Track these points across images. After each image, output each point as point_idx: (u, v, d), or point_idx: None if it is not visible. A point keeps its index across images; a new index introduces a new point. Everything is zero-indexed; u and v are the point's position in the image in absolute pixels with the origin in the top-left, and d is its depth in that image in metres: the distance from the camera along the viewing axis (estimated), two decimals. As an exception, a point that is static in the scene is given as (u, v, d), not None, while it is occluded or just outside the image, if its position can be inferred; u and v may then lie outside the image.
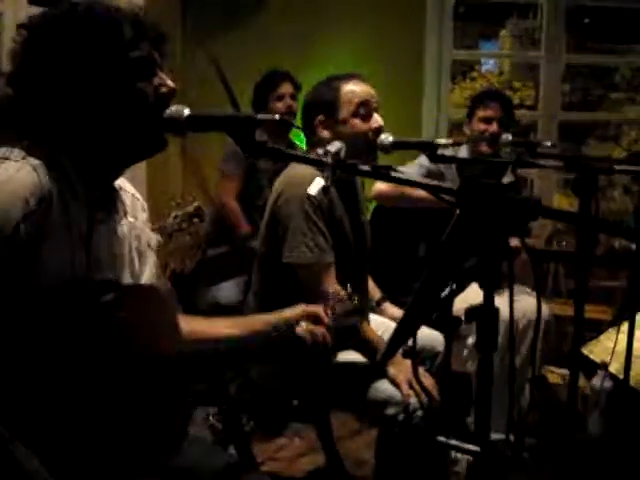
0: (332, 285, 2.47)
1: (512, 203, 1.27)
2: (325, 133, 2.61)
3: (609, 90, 13.87)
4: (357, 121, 2.61)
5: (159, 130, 1.61)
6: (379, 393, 2.47)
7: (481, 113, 3.67)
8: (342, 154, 1.39)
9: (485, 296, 1.35)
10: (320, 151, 1.40)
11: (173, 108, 1.54)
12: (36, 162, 1.51)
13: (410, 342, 1.70)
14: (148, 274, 1.85)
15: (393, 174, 1.37)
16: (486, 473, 1.37)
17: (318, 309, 1.94)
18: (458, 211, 1.42)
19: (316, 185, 1.40)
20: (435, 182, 1.41)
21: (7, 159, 1.50)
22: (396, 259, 3.51)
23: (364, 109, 2.61)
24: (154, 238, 1.88)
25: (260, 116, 1.42)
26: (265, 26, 4.96)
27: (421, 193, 3.25)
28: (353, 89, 2.64)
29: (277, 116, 1.41)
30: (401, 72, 4.99)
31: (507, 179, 3.66)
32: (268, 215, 2.65)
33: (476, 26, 13.23)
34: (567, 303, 4.51)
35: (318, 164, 1.40)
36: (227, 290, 3.76)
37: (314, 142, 2.63)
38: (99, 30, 1.56)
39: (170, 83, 1.62)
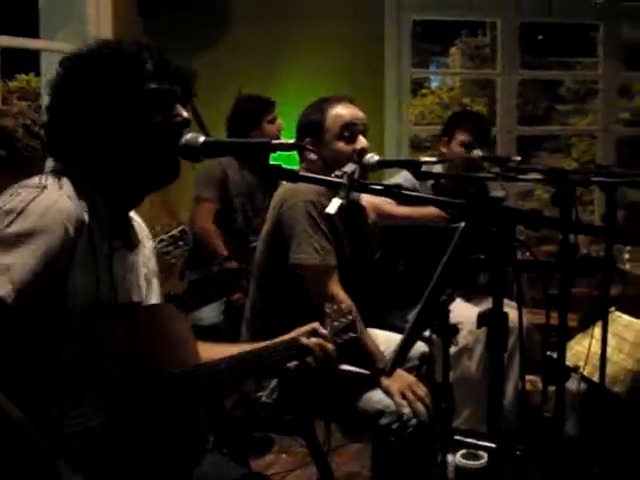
0: (336, 288, 2.55)
1: (519, 215, 1.36)
2: (312, 155, 2.67)
3: (556, 102, 14.23)
4: (341, 144, 2.68)
5: (171, 159, 1.69)
6: (373, 404, 2.51)
7: (462, 137, 3.67)
8: (356, 175, 1.48)
9: (494, 302, 1.44)
10: (337, 172, 1.49)
11: (188, 136, 1.62)
12: (70, 192, 1.60)
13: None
14: (154, 300, 1.93)
15: (404, 192, 1.46)
16: (501, 468, 1.46)
17: (315, 325, 2.01)
18: (463, 224, 1.51)
19: (334, 204, 1.48)
20: (445, 198, 1.50)
21: (45, 188, 1.59)
22: (376, 274, 3.60)
23: (348, 131, 2.68)
24: (155, 264, 1.96)
25: (275, 142, 1.50)
26: (226, 44, 5.06)
27: (402, 211, 3.36)
28: (339, 112, 2.71)
29: (291, 141, 1.49)
30: (362, 91, 5.08)
31: (500, 193, 3.74)
32: (270, 225, 2.70)
33: (427, 44, 13.50)
34: (532, 311, 4.62)
35: (334, 185, 1.48)
36: (208, 312, 3.81)
37: (303, 163, 2.71)
38: (120, 64, 1.66)
39: (184, 114, 1.71)
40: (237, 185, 4.11)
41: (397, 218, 3.44)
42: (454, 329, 1.79)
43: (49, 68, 4.21)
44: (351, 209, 2.76)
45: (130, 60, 1.67)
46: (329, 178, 1.53)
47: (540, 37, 12.56)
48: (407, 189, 3.62)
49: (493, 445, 1.46)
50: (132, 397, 1.62)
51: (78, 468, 1.50)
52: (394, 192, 1.46)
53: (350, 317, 2.12)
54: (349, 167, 1.48)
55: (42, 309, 1.53)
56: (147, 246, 1.94)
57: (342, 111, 2.72)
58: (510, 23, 5.40)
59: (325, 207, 2.55)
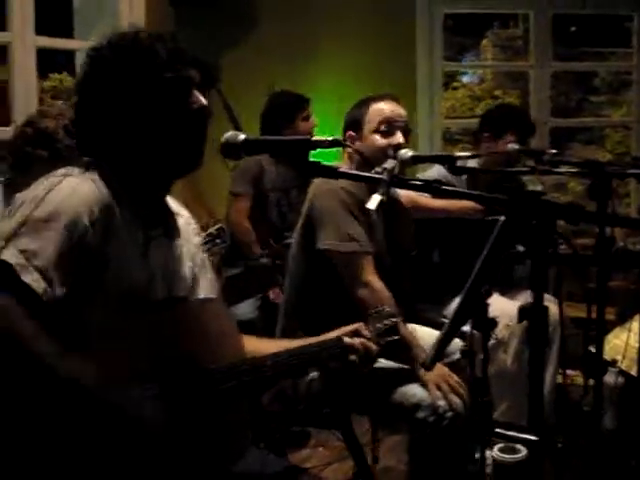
0: (371, 275, 2.56)
1: (558, 209, 1.37)
2: (349, 149, 2.73)
3: (589, 94, 14.10)
4: (377, 137, 2.73)
5: (192, 146, 1.73)
6: (409, 397, 2.54)
7: (511, 138, 3.64)
8: (396, 171, 1.49)
9: (535, 296, 1.44)
10: (378, 169, 1.50)
11: (229, 133, 1.64)
12: (95, 176, 1.65)
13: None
14: (203, 294, 1.94)
15: (444, 188, 1.47)
16: (542, 462, 1.46)
17: (359, 326, 2.03)
18: (503, 218, 1.51)
19: (374, 201, 1.49)
20: (484, 193, 1.50)
21: (70, 175, 1.63)
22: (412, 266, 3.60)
23: (386, 126, 2.73)
24: (206, 259, 1.98)
25: (314, 139, 1.51)
26: (259, 39, 5.06)
27: (437, 204, 3.35)
28: (381, 107, 2.77)
29: (330, 138, 1.50)
30: (395, 85, 5.08)
31: (538, 187, 3.72)
32: (303, 217, 2.75)
33: (458, 38, 13.44)
34: (570, 304, 4.59)
35: (374, 181, 1.49)
36: (244, 307, 3.85)
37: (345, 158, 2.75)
38: (137, 54, 1.70)
39: (202, 100, 1.74)
40: (272, 180, 4.14)
41: (433, 211, 3.44)
42: (493, 323, 1.79)
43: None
44: (390, 205, 2.78)
45: (145, 51, 1.70)
46: (369, 174, 1.54)
47: (573, 28, 12.45)
48: (442, 183, 3.66)
49: (534, 438, 1.46)
50: (174, 390, 1.65)
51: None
52: (434, 187, 1.47)
53: (394, 319, 2.13)
54: (389, 163, 1.50)
55: (82, 295, 1.56)
56: (193, 241, 1.96)
57: (383, 106, 2.77)
58: (542, 15, 5.36)
59: (359, 198, 2.62)
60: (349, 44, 5.10)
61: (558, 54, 7.48)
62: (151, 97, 1.69)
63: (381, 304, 2.31)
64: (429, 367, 2.20)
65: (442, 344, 1.79)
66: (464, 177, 3.67)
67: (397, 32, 5.16)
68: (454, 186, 3.67)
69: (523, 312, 1.45)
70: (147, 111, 1.70)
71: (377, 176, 1.49)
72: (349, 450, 2.89)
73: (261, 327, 3.63)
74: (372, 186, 1.56)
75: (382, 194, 1.47)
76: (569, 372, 4.07)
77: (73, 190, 1.59)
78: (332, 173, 1.50)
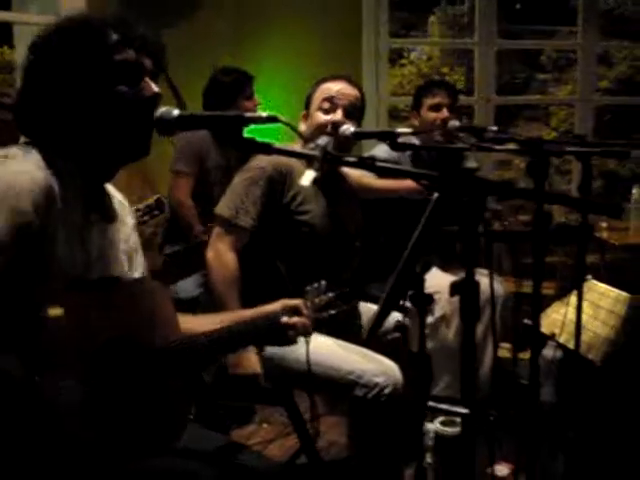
0: (225, 248, 2.65)
1: (490, 186, 1.38)
2: (302, 126, 2.81)
3: (535, 71, 14.23)
4: (319, 113, 2.78)
5: (141, 134, 1.70)
6: (345, 374, 2.56)
7: (429, 101, 3.79)
8: (330, 148, 1.49)
9: (466, 271, 1.46)
10: (311, 145, 1.51)
11: (163, 109, 1.62)
12: (39, 161, 1.62)
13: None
14: (139, 273, 1.94)
15: (378, 164, 1.47)
16: (475, 434, 1.49)
17: (298, 302, 2.05)
18: (436, 195, 1.52)
19: (308, 177, 1.49)
20: (418, 170, 1.51)
21: (7, 157, 1.61)
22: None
23: (328, 104, 2.78)
24: (138, 241, 1.97)
25: (248, 115, 1.51)
26: (204, 18, 5.01)
27: (383, 184, 3.38)
28: (328, 86, 2.83)
29: (264, 114, 1.49)
30: (340, 63, 5.07)
31: (473, 164, 3.78)
32: None
33: (405, 14, 13.45)
34: (509, 280, 4.66)
35: (307, 158, 1.50)
36: (186, 285, 3.82)
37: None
38: (86, 37, 1.67)
39: (154, 87, 1.72)
40: (215, 158, 4.10)
41: (378, 190, 3.46)
42: (429, 298, 1.81)
43: (22, 40, 4.17)
44: (332, 184, 2.79)
45: (95, 34, 1.67)
46: (302, 151, 1.54)
47: (518, 6, 12.55)
48: (386, 161, 3.69)
49: (466, 411, 1.49)
50: (111, 370, 1.64)
51: (59, 438, 1.53)
52: (367, 164, 1.47)
53: (331, 294, 2.15)
54: (322, 140, 1.50)
55: (25, 277, 1.55)
56: (128, 223, 1.95)
57: (330, 85, 2.83)
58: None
59: (288, 174, 2.64)
60: (294, 22, 5.08)
61: (504, 32, 7.53)
62: (101, 81, 1.67)
63: (221, 274, 2.54)
64: (367, 342, 2.23)
65: (378, 319, 1.81)
66: (407, 154, 3.70)
67: (342, 8, 5.15)
68: (399, 164, 3.72)
69: (455, 287, 1.47)
70: (96, 96, 1.67)
71: (310, 152, 1.49)
72: (293, 426, 2.91)
73: (205, 304, 3.61)
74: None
75: (316, 170, 1.47)
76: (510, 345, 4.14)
77: (15, 174, 1.57)
78: (265, 149, 1.49)
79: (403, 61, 14.60)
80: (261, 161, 2.70)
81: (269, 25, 5.07)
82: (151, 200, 2.93)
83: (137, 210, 2.85)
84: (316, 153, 1.48)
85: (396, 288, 1.73)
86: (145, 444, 1.68)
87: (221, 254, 2.65)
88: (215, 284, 2.63)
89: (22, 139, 1.76)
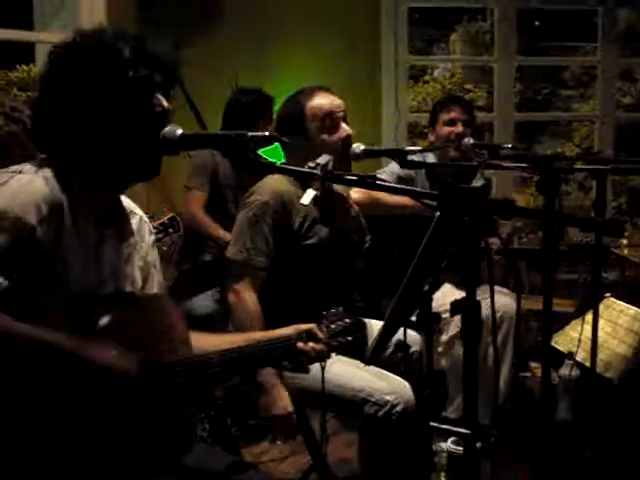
0: (248, 291, 2.64)
1: (490, 205, 1.38)
2: (300, 151, 2.65)
3: (559, 88, 14.19)
4: (325, 136, 2.71)
5: (151, 151, 1.70)
6: (356, 392, 2.54)
7: (445, 117, 3.78)
8: (330, 166, 1.50)
9: (467, 290, 1.45)
10: (311, 164, 1.51)
11: (167, 128, 1.63)
12: (47, 174, 1.64)
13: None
14: (157, 289, 1.97)
15: (379, 182, 1.47)
16: (476, 454, 1.48)
17: (312, 327, 2.03)
18: (438, 214, 1.52)
19: (308, 196, 1.50)
20: (418, 188, 1.51)
21: (20, 172, 1.63)
22: (370, 262, 3.61)
23: (330, 121, 2.71)
24: (157, 258, 1.99)
25: (251, 134, 1.51)
26: (222, 35, 5.03)
27: (394, 200, 3.36)
28: (317, 103, 2.74)
29: (267, 133, 1.50)
30: (360, 79, 5.10)
31: (479, 182, 3.78)
32: None
33: (427, 31, 13.46)
34: (529, 298, 4.63)
35: (308, 176, 1.50)
36: (202, 301, 3.82)
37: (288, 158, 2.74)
38: (99, 53, 1.68)
39: (164, 103, 1.72)
40: (227, 177, 4.10)
41: (391, 207, 3.46)
42: (436, 317, 1.81)
43: (44, 58, 4.22)
44: (329, 200, 2.78)
45: (107, 50, 1.68)
46: (303, 169, 1.54)
47: (537, 23, 12.51)
48: (400, 178, 3.66)
49: (467, 432, 1.48)
50: (122, 386, 1.65)
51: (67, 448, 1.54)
52: (367, 182, 1.48)
53: (348, 320, 2.15)
54: (323, 158, 1.50)
55: (29, 290, 1.57)
56: (147, 239, 1.97)
57: (321, 101, 2.75)
58: (506, 9, 5.38)
59: (291, 202, 2.63)
60: (314, 40, 5.09)
61: (525, 48, 7.52)
62: (112, 96, 1.68)
63: (244, 314, 2.50)
64: (369, 361, 2.23)
65: (382, 338, 1.80)
66: (423, 171, 3.70)
67: (363, 25, 5.17)
68: (414, 181, 3.72)
69: (455, 307, 1.46)
70: (108, 111, 1.68)
71: (311, 171, 1.50)
72: (305, 443, 2.90)
73: (220, 320, 3.61)
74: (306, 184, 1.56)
75: (316, 189, 1.47)
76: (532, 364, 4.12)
77: (21, 187, 1.59)
78: (268, 169, 1.50)
79: (426, 78, 14.63)
80: (261, 195, 2.66)
81: (289, 43, 5.08)
82: (165, 219, 2.94)
83: (152, 228, 2.86)
84: (317, 171, 1.48)
85: (398, 308, 1.73)
86: (151, 461, 1.69)
87: (242, 297, 2.64)
88: (239, 327, 2.64)
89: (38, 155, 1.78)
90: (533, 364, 4.18)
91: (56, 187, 1.63)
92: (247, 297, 2.64)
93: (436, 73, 14.67)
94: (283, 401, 2.52)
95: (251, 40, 5.00)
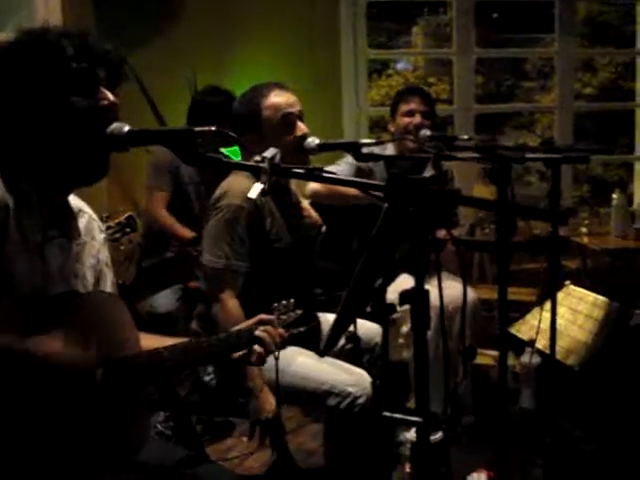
0: (228, 294, 2.63)
1: (434, 195, 1.39)
2: (255, 149, 2.65)
3: (520, 79, 14.30)
4: (281, 135, 2.69)
5: (98, 145, 1.67)
6: (319, 385, 2.57)
7: (404, 108, 3.82)
8: (277, 159, 1.50)
9: (416, 280, 1.47)
10: (257, 158, 1.52)
11: (113, 125, 1.62)
12: None
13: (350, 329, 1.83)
14: (110, 287, 1.96)
15: (325, 175, 1.48)
16: (429, 443, 1.50)
17: (262, 316, 2.09)
18: (386, 205, 1.53)
19: (255, 189, 1.50)
20: (364, 180, 1.53)
21: None
22: (331, 254, 3.62)
23: (286, 121, 2.71)
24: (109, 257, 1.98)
25: (198, 129, 1.51)
26: (180, 34, 5.01)
27: (353, 191, 3.37)
28: (273, 102, 2.73)
29: (213, 128, 1.50)
30: (319, 75, 5.11)
31: (428, 173, 3.81)
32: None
33: (388, 25, 13.50)
34: (493, 288, 4.68)
35: (255, 170, 1.51)
36: (164, 298, 3.81)
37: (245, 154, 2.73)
38: (40, 49, 1.67)
39: (110, 97, 1.71)
40: (189, 173, 4.06)
41: (349, 197, 3.49)
42: (391, 308, 1.82)
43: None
44: (282, 193, 2.79)
45: (50, 46, 1.67)
46: (250, 163, 1.55)
47: (495, 15, 12.61)
48: (361, 169, 3.66)
49: (419, 420, 1.50)
50: (70, 385, 1.66)
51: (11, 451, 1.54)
52: (314, 175, 1.49)
53: (298, 311, 2.17)
54: (270, 152, 1.51)
55: None
56: (97, 238, 1.96)
57: (276, 100, 2.74)
58: (464, 1, 5.41)
59: (260, 204, 2.62)
60: (272, 35, 5.10)
61: (486, 41, 7.56)
62: (55, 92, 1.66)
63: (230, 323, 2.40)
64: (322, 354, 2.24)
65: (335, 331, 1.81)
66: (382, 163, 3.73)
67: (321, 20, 5.17)
68: (372, 172, 3.74)
69: (404, 297, 1.48)
70: (51, 108, 1.66)
71: (258, 164, 1.50)
72: (270, 438, 2.91)
73: (182, 318, 3.61)
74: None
75: (263, 182, 1.48)
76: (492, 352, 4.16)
77: None
78: (219, 164, 1.50)
79: (390, 72, 14.67)
80: (232, 198, 2.64)
81: (248, 40, 5.07)
82: (122, 218, 2.93)
83: (108, 227, 2.85)
84: (264, 165, 1.49)
85: (351, 301, 1.74)
86: (105, 456, 1.69)
87: (226, 307, 2.63)
88: None
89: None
90: (493, 352, 4.22)
91: (1, 188, 1.62)
92: (231, 306, 2.63)
93: (399, 67, 14.72)
94: (270, 405, 2.52)
95: (210, 38, 4.99)
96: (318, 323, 2.89)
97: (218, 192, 2.72)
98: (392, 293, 1.78)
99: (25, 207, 1.67)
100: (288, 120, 2.71)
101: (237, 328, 2.07)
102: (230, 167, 1.56)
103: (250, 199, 2.57)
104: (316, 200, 3.69)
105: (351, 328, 1.86)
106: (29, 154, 1.70)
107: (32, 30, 1.71)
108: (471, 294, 3.73)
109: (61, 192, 1.81)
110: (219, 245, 2.64)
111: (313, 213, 2.97)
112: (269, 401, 2.51)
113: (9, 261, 1.62)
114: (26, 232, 1.67)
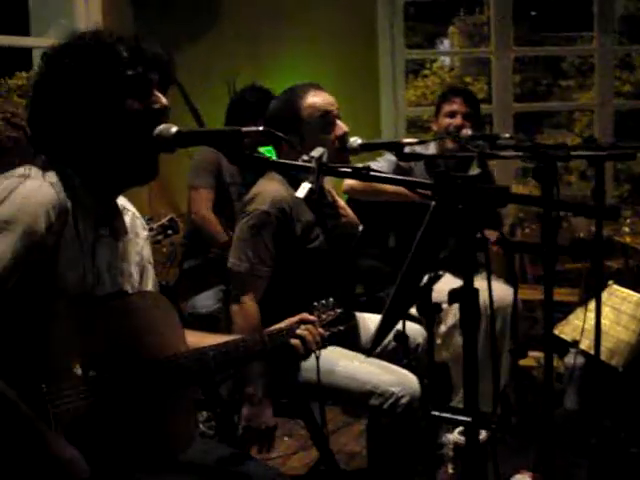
0: (249, 296, 2.64)
1: (482, 193, 1.39)
2: (293, 152, 2.60)
3: (559, 78, 14.18)
4: (321, 135, 2.66)
5: (149, 147, 1.70)
6: (362, 385, 2.56)
7: (446, 108, 3.81)
8: (325, 158, 1.51)
9: (465, 279, 1.46)
10: (305, 157, 1.52)
11: (161, 126, 1.64)
12: (54, 179, 1.66)
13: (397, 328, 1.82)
14: (151, 287, 1.98)
15: (372, 174, 1.48)
16: (477, 442, 1.49)
17: (303, 315, 2.11)
18: (433, 204, 1.53)
19: (303, 189, 1.51)
20: (411, 178, 1.52)
21: (28, 177, 1.64)
22: (368, 252, 3.62)
23: (326, 120, 2.69)
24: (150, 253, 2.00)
25: (245, 129, 1.52)
26: (220, 37, 5.04)
27: (391, 187, 3.36)
28: (312, 102, 2.71)
29: (261, 128, 1.51)
30: (357, 76, 5.11)
31: (474, 171, 3.79)
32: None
33: (425, 25, 13.47)
34: (534, 288, 4.64)
35: (303, 169, 1.51)
36: (205, 299, 3.83)
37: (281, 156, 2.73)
38: (96, 52, 1.69)
39: (163, 100, 1.73)
40: (231, 173, 4.08)
41: (389, 194, 3.50)
42: (437, 308, 1.81)
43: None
44: (319, 195, 2.78)
45: (105, 50, 1.69)
46: (298, 163, 1.55)
47: (533, 13, 12.50)
48: (400, 167, 3.66)
49: (468, 419, 1.49)
50: (117, 381, 1.68)
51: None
52: (362, 174, 1.49)
53: (338, 310, 2.17)
54: (317, 151, 1.51)
55: (32, 293, 1.60)
56: (141, 235, 1.98)
57: (315, 100, 2.72)
58: (502, 0, 5.37)
59: (291, 208, 2.63)
60: (310, 37, 5.09)
61: (524, 39, 7.51)
62: (110, 96, 1.68)
63: (246, 325, 2.49)
64: (369, 353, 2.23)
65: (380, 331, 1.81)
66: (422, 163, 3.72)
67: (359, 22, 5.17)
68: (412, 171, 3.73)
69: (453, 295, 1.47)
70: (106, 111, 1.69)
71: (306, 164, 1.50)
72: (312, 438, 2.92)
73: (223, 319, 3.62)
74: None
75: (311, 182, 1.48)
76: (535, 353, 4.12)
77: (32, 194, 1.61)
78: (264, 163, 1.51)
79: (426, 72, 14.63)
80: (261, 204, 2.63)
81: (286, 42, 5.08)
82: (164, 220, 2.96)
83: (151, 229, 2.87)
84: (311, 164, 1.49)
85: (397, 301, 1.73)
86: (151, 455, 1.71)
87: (245, 307, 2.64)
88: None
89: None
90: (536, 354, 4.18)
91: (62, 191, 1.65)
92: (249, 308, 2.64)
93: (435, 67, 14.68)
94: (265, 417, 2.54)
95: (247, 39, 5.01)
96: (356, 322, 2.89)
97: (248, 196, 2.72)
98: (435, 292, 1.78)
99: (81, 209, 1.70)
100: (328, 119, 2.70)
101: (279, 326, 2.08)
102: (276, 167, 1.56)
103: (277, 205, 2.62)
104: (353, 196, 3.70)
105: (398, 327, 1.86)
106: (84, 156, 1.73)
107: (85, 34, 1.74)
108: (512, 295, 3.70)
109: (114, 193, 1.84)
110: (243, 249, 2.65)
111: (350, 212, 2.96)
112: (266, 414, 2.54)
113: (64, 261, 1.66)
114: (81, 233, 1.70)
